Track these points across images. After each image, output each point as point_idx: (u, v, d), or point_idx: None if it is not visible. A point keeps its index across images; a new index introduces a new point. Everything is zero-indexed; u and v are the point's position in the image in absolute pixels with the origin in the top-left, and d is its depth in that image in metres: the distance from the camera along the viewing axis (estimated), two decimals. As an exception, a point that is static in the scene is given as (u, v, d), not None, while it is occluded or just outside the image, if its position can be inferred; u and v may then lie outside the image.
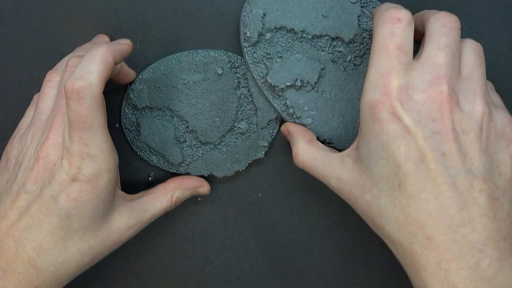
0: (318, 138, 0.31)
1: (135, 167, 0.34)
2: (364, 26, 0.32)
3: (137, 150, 0.33)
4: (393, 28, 0.25)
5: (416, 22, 0.28)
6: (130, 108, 0.33)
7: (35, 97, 0.32)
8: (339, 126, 0.32)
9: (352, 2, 0.31)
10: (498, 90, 0.32)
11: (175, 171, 0.33)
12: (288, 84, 0.31)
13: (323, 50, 0.31)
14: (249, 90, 0.32)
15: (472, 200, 0.23)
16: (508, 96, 0.33)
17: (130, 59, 0.32)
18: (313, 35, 0.31)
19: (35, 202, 0.26)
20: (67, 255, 0.26)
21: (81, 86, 0.24)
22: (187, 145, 0.33)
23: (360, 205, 0.26)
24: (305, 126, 0.32)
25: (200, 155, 0.33)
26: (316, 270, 0.35)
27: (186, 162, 0.33)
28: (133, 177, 0.34)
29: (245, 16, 0.31)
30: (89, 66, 0.25)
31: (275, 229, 0.34)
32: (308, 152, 0.29)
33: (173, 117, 0.32)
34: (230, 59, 0.32)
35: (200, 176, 0.33)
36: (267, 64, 0.31)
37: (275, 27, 0.31)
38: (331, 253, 0.35)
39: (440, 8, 0.32)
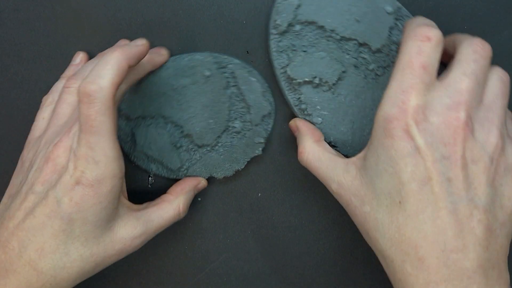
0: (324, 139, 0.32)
1: (134, 175, 0.34)
2: (394, 38, 0.31)
3: (135, 160, 0.33)
4: (421, 46, 0.24)
5: (448, 44, 0.28)
6: (123, 119, 0.32)
7: (45, 100, 0.31)
8: (347, 131, 0.32)
9: (387, 13, 0.31)
10: None
11: (175, 176, 0.33)
12: (307, 79, 0.31)
13: (348, 54, 0.31)
14: (239, 89, 0.32)
15: (469, 228, 0.23)
16: (509, 96, 0.33)
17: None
18: (342, 37, 0.31)
19: (40, 203, 0.26)
20: (68, 260, 0.26)
21: (92, 89, 0.24)
22: (184, 150, 0.33)
23: (357, 215, 0.26)
24: (315, 125, 0.32)
25: (198, 158, 0.33)
26: (316, 270, 0.35)
27: (185, 167, 0.33)
28: (133, 184, 0.34)
29: (279, 3, 0.31)
30: (102, 70, 0.25)
31: (275, 229, 0.34)
32: (314, 151, 0.29)
33: (167, 124, 0.32)
34: (217, 60, 0.32)
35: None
36: (290, 56, 0.31)
37: (306, 21, 0.31)
38: (331, 253, 0.35)
39: (441, 8, 0.32)
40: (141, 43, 0.28)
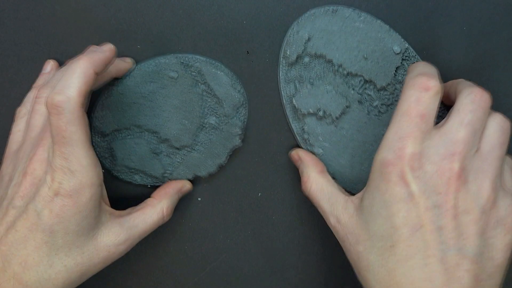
0: (324, 170, 0.32)
1: (117, 182, 0.34)
2: (399, 78, 0.32)
3: (118, 174, 0.33)
4: (420, 96, 0.25)
5: (450, 89, 0.28)
6: (99, 136, 0.32)
7: (18, 112, 0.31)
8: (346, 164, 0.32)
9: (395, 53, 0.32)
10: (498, 90, 0.33)
11: (160, 183, 0.33)
12: (311, 111, 0.32)
13: (353, 89, 0.32)
14: (208, 85, 0.32)
15: (457, 278, 0.24)
16: (509, 96, 0.33)
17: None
18: (348, 72, 0.32)
19: (20, 217, 0.26)
20: (53, 271, 0.26)
21: (60, 100, 0.24)
22: (164, 155, 0.33)
23: (351, 252, 0.27)
24: (316, 155, 0.32)
25: (180, 161, 0.33)
26: (316, 270, 0.35)
27: (168, 172, 0.33)
28: (118, 192, 0.34)
29: (290, 35, 0.32)
30: (68, 80, 0.25)
31: (275, 229, 0.35)
32: (318, 183, 0.30)
33: (143, 132, 0.32)
34: (182, 61, 0.32)
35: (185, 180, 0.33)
36: (297, 86, 0.32)
37: (315, 54, 0.32)
38: (331, 253, 0.35)
39: (442, 8, 0.33)
40: (107, 49, 0.28)
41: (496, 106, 0.33)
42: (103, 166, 0.33)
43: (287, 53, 0.32)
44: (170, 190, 0.32)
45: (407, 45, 0.32)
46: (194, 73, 0.32)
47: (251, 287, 0.35)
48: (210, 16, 0.33)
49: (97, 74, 0.26)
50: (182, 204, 0.33)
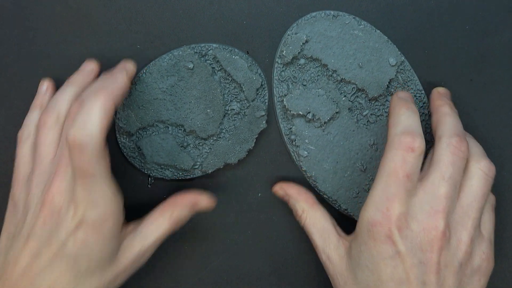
0: (305, 173, 0.33)
1: (135, 175, 0.34)
2: (392, 90, 0.32)
3: (149, 172, 0.33)
4: (405, 156, 0.26)
5: (432, 115, 0.29)
6: (124, 137, 0.33)
7: (20, 135, 0.31)
8: (329, 169, 0.33)
9: (391, 64, 0.32)
10: (498, 90, 0.33)
11: (192, 176, 0.33)
12: (300, 113, 0.32)
13: (345, 96, 0.32)
14: (225, 71, 0.32)
15: None
16: (509, 96, 0.33)
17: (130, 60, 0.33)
18: (342, 79, 0.32)
19: (44, 246, 0.26)
20: None
21: (83, 139, 0.25)
22: (192, 147, 0.33)
23: None
24: (300, 157, 0.33)
25: (208, 151, 0.33)
26: (316, 270, 0.35)
27: (198, 163, 0.33)
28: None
29: (288, 35, 0.32)
30: (89, 116, 0.25)
31: (275, 229, 0.35)
32: (311, 216, 0.31)
33: (168, 127, 0.33)
34: (196, 50, 0.32)
35: (216, 169, 0.33)
36: (290, 87, 0.32)
37: (311, 57, 0.32)
38: None
39: (441, 8, 0.33)
40: (124, 79, 0.28)
41: (497, 106, 0.33)
42: (133, 166, 0.33)
43: (283, 53, 0.32)
44: (183, 200, 0.31)
45: (403, 58, 0.32)
46: (210, 61, 0.32)
47: (251, 287, 0.35)
48: (210, 16, 0.33)
49: (116, 106, 0.26)
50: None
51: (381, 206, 0.26)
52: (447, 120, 0.28)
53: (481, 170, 0.27)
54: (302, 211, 0.31)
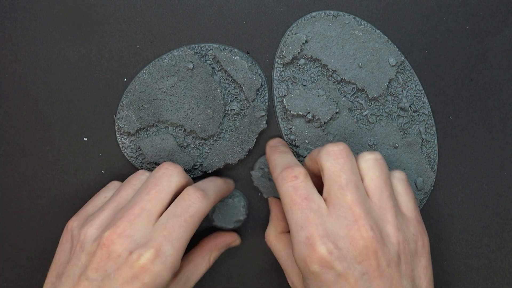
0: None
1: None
2: (392, 90, 0.32)
3: None
4: (293, 184, 0.27)
5: (311, 163, 0.29)
6: (125, 137, 0.33)
7: (111, 183, 0.31)
8: (329, 169, 0.33)
9: (391, 65, 0.32)
10: (498, 90, 0.33)
11: (192, 176, 0.33)
12: (300, 113, 0.32)
13: (345, 96, 0.32)
14: (225, 71, 0.32)
15: None
16: (509, 96, 0.33)
17: (130, 60, 0.33)
18: (342, 79, 0.32)
19: None
20: None
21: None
22: (192, 147, 0.33)
23: None
24: (300, 157, 0.33)
25: (208, 151, 0.33)
26: None
27: (198, 163, 0.33)
28: None
29: (288, 35, 0.32)
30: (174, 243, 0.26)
31: None
32: (275, 243, 0.32)
33: (168, 127, 0.33)
34: (196, 51, 0.32)
35: (216, 169, 0.33)
36: (290, 87, 0.32)
37: (311, 57, 0.32)
38: None
39: (442, 8, 0.33)
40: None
41: (497, 106, 0.34)
42: (133, 166, 0.33)
43: (283, 53, 0.32)
44: (221, 243, 0.33)
45: (403, 58, 0.32)
46: (210, 61, 0.32)
47: (251, 286, 0.35)
48: (210, 16, 0.33)
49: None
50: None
51: (302, 237, 0.26)
52: (317, 149, 0.29)
53: (369, 160, 0.28)
54: (268, 235, 0.32)
